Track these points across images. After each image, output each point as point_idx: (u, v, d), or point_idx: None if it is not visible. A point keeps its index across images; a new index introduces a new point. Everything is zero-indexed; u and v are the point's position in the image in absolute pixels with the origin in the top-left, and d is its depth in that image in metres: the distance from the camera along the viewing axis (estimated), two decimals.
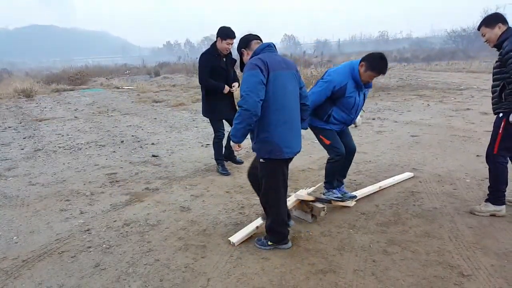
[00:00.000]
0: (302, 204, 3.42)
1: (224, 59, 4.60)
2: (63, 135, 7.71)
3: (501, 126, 3.23)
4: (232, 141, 2.73)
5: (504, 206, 3.31)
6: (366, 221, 3.37)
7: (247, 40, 2.85)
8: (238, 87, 3.90)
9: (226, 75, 4.66)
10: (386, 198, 3.86)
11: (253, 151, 2.82)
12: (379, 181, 4.19)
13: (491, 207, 3.32)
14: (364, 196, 3.88)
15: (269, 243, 2.92)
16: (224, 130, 4.80)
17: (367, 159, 5.22)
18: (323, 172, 3.50)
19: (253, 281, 2.53)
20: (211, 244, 3.06)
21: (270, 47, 2.76)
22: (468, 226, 3.18)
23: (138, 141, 6.95)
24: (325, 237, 3.10)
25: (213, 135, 4.85)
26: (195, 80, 17.93)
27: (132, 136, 7.45)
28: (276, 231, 2.89)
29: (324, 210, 3.31)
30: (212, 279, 2.57)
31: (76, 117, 10.03)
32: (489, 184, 3.38)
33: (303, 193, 3.45)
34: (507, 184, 3.33)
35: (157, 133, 7.62)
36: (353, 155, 3.66)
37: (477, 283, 2.42)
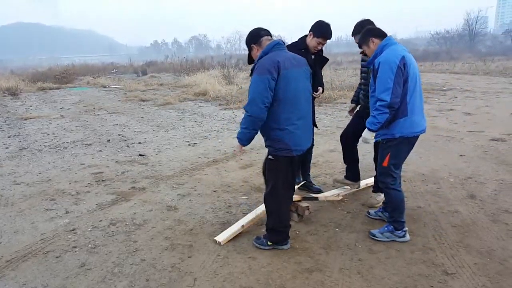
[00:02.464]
0: None
1: (313, 56, 3.69)
2: (48, 134, 7.60)
3: None
4: (239, 143, 2.75)
5: (359, 182, 3.94)
6: (352, 220, 3.41)
7: (258, 35, 2.77)
8: (322, 92, 3.72)
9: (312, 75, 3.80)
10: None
11: (266, 147, 2.81)
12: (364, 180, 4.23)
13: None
14: (350, 195, 3.92)
15: (269, 243, 2.89)
16: None
17: None
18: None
19: (240, 280, 2.54)
20: (198, 243, 3.05)
21: (280, 44, 2.71)
22: (451, 225, 3.24)
23: (125, 140, 6.88)
24: (312, 236, 3.13)
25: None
26: (183, 79, 17.85)
27: (119, 135, 7.38)
28: (278, 231, 2.86)
29: (308, 209, 3.34)
30: (199, 279, 2.57)
31: (62, 115, 9.89)
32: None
33: None
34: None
35: (144, 132, 7.56)
36: None
37: (461, 281, 2.46)
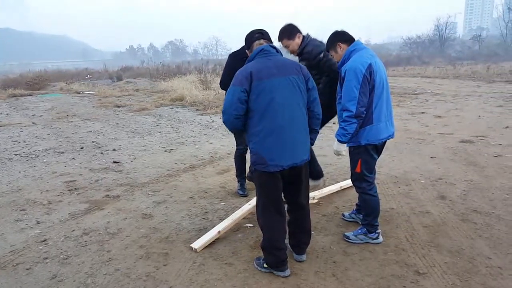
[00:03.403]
0: None
1: None
2: (19, 142, 7.36)
3: None
4: None
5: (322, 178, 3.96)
6: (327, 223, 3.46)
7: (250, 40, 2.71)
8: None
9: None
10: (345, 199, 3.98)
11: None
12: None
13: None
14: (325, 198, 3.98)
15: (265, 265, 2.67)
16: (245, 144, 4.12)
17: (327, 161, 5.34)
18: None
19: (216, 287, 2.53)
20: (174, 251, 3.02)
21: (264, 51, 2.54)
22: (423, 225, 3.33)
23: (99, 147, 6.75)
24: (287, 239, 3.14)
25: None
26: (159, 85, 17.68)
27: (93, 142, 7.23)
28: (270, 252, 2.62)
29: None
30: (174, 287, 2.54)
31: (34, 123, 9.60)
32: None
33: None
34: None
35: (118, 139, 7.43)
36: None
37: (432, 281, 2.53)
